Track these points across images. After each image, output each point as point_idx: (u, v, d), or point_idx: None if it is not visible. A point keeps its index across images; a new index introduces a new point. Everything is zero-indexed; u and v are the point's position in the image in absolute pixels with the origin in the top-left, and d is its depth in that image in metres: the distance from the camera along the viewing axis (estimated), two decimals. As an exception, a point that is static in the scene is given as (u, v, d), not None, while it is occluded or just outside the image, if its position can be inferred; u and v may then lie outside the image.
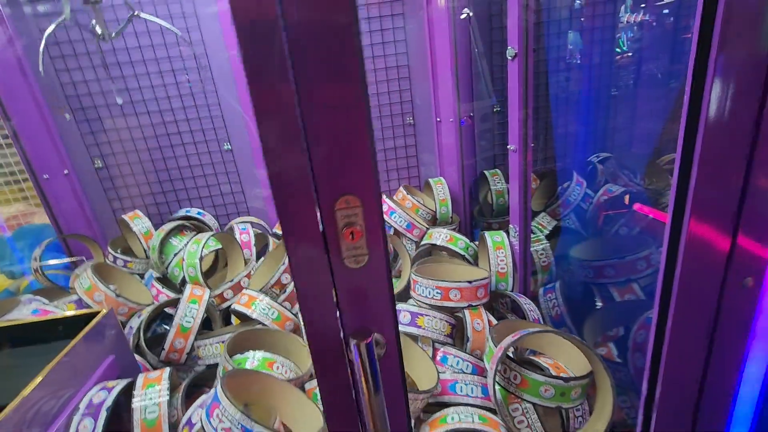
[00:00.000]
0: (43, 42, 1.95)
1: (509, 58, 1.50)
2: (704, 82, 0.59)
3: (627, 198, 2.16)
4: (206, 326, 1.92)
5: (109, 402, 1.26)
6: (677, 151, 0.73)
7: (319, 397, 1.34)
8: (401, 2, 2.40)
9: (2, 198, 3.11)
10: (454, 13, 2.22)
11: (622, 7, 2.36)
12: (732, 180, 0.66)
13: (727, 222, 0.66)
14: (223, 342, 1.60)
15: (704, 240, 0.65)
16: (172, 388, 1.46)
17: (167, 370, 1.39)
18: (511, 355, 1.45)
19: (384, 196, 2.27)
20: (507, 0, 1.44)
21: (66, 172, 2.37)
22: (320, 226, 0.53)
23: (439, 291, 1.55)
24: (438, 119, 2.52)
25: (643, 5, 2.31)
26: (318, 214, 0.52)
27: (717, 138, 0.63)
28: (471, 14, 2.29)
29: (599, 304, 1.63)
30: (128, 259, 2.29)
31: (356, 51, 0.48)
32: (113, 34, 1.95)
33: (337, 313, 0.58)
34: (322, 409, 1.30)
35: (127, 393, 1.34)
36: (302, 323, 0.58)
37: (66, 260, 2.46)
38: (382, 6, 2.38)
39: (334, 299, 0.57)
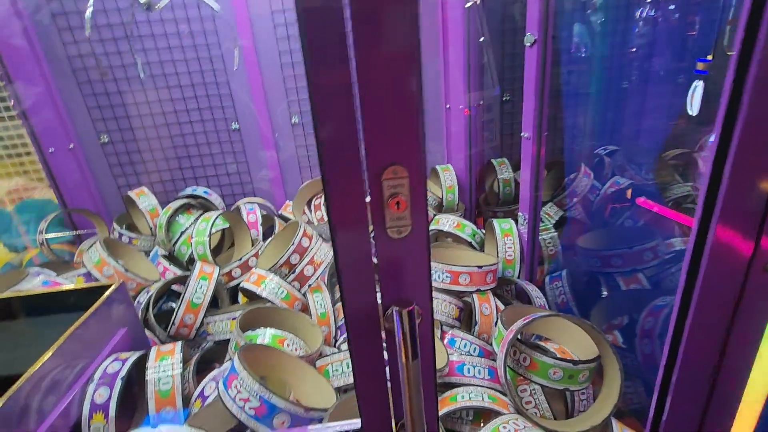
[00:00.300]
0: (90, 8, 1.90)
1: (527, 44, 1.50)
2: (744, 85, 0.60)
3: (629, 192, 2.19)
4: (212, 304, 1.94)
5: (123, 371, 1.28)
6: (711, 152, 0.72)
7: (330, 373, 1.37)
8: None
9: (2, 171, 3.08)
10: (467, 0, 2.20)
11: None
12: (761, 181, 0.67)
13: (754, 220, 0.67)
14: (233, 319, 1.62)
15: (731, 235, 0.66)
16: (183, 362, 1.47)
17: (179, 343, 1.40)
18: (519, 338, 1.48)
19: (392, 181, 2.27)
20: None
21: (71, 146, 2.36)
22: (366, 196, 0.54)
23: (449, 275, 1.57)
24: (447, 106, 2.51)
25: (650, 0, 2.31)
26: (365, 183, 0.53)
27: (752, 141, 0.64)
28: (478, 2, 2.27)
29: (605, 293, 1.66)
30: (134, 235, 2.29)
31: (414, 28, 0.48)
32: (159, 5, 1.90)
33: (377, 282, 0.59)
34: (334, 386, 1.32)
35: (138, 365, 1.35)
36: (340, 291, 0.59)
37: (71, 233, 2.45)
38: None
39: (374, 267, 0.58)
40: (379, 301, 0.62)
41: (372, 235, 0.57)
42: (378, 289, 0.60)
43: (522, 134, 1.64)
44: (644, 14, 2.36)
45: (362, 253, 0.57)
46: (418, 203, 0.55)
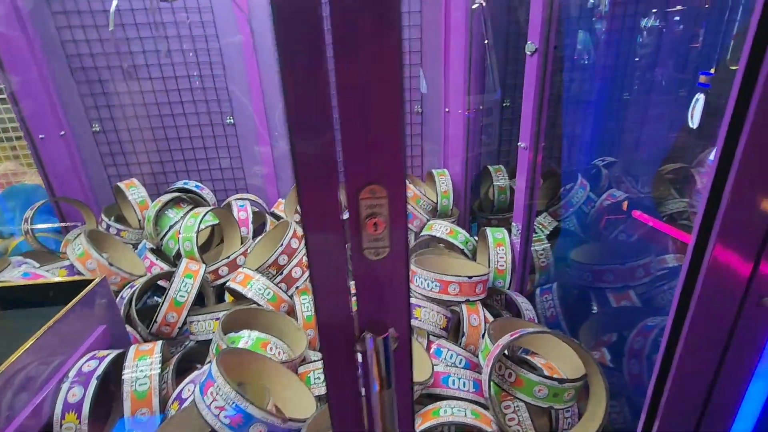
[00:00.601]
0: (115, 2, 1.85)
1: (528, 53, 1.47)
2: (752, 97, 0.57)
3: (626, 204, 2.17)
4: (198, 302, 1.90)
5: (99, 371, 1.25)
6: (712, 167, 0.70)
7: (312, 380, 1.34)
8: (419, -15, 2.33)
9: (-6, 155, 3.04)
10: (472, 1, 2.17)
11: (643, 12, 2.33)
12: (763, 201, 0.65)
13: (753, 242, 0.65)
14: (216, 319, 1.59)
15: (728, 257, 0.64)
16: (163, 362, 1.44)
17: (159, 343, 1.37)
18: (506, 352, 1.46)
19: (387, 184, 2.24)
20: (532, -7, 1.40)
21: (63, 133, 2.31)
22: (342, 215, 0.51)
23: (438, 284, 1.55)
24: (446, 110, 2.48)
25: (655, 10, 2.28)
26: (342, 202, 0.50)
27: (757, 156, 0.61)
28: (484, 4, 2.24)
29: (595, 308, 1.64)
30: (122, 227, 2.25)
31: (397, 34, 0.45)
32: None
33: (352, 304, 0.56)
34: (315, 394, 1.30)
35: (116, 364, 1.32)
36: (314, 311, 0.56)
37: (58, 225, 2.41)
38: (399, -12, 2.31)
39: (350, 290, 0.55)
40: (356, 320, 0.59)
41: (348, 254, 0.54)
42: (354, 309, 0.58)
43: (519, 144, 1.61)
44: (648, 24, 2.33)
45: (338, 272, 0.54)
46: (398, 225, 0.52)
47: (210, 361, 1.37)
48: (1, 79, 2.17)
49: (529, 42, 1.46)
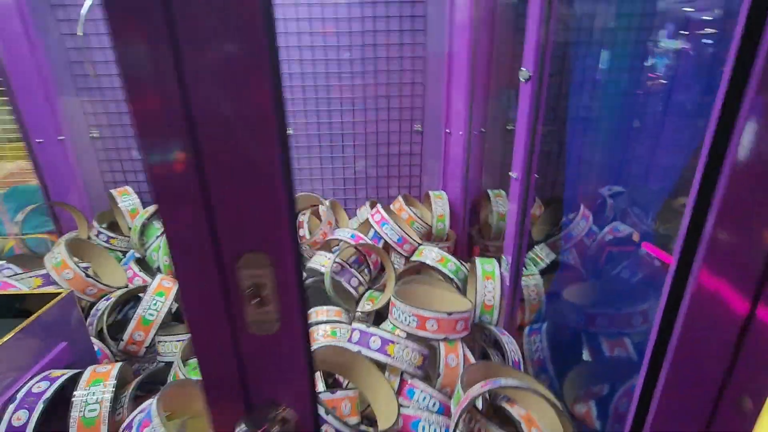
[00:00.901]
0: (87, 5, 1.85)
1: (522, 80, 1.38)
2: (736, 117, 0.49)
3: (636, 236, 2.03)
4: (179, 318, 1.85)
5: (49, 393, 1.20)
6: (690, 194, 0.63)
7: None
8: (424, 3, 2.27)
9: (1, 154, 3.10)
10: (477, 21, 2.09)
11: (659, 33, 2.22)
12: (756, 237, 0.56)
13: (747, 286, 0.55)
14: (181, 341, 1.53)
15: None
16: (124, 384, 1.39)
17: (117, 366, 1.32)
18: (482, 398, 1.35)
19: (378, 206, 2.17)
20: (527, 18, 1.31)
21: (61, 137, 2.32)
22: (220, 287, 0.43)
23: (415, 319, 1.45)
24: (447, 130, 2.40)
25: (684, 32, 2.16)
26: (217, 272, 0.42)
27: (743, 183, 0.52)
28: None
29: (586, 355, 1.51)
30: (112, 235, 2.23)
31: (268, 49, 0.38)
32: None
33: (241, 385, 0.48)
34: None
35: (74, 384, 1.27)
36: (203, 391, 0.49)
37: (47, 235, 2.41)
38: (403, 5, 2.26)
39: (237, 369, 0.47)
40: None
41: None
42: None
43: (510, 174, 1.52)
44: (669, 47, 2.20)
45: (222, 351, 0.47)
46: (288, 296, 0.44)
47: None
48: (3, 83, 2.19)
49: (522, 69, 1.37)
